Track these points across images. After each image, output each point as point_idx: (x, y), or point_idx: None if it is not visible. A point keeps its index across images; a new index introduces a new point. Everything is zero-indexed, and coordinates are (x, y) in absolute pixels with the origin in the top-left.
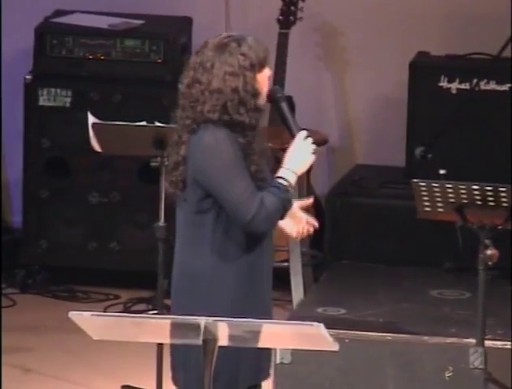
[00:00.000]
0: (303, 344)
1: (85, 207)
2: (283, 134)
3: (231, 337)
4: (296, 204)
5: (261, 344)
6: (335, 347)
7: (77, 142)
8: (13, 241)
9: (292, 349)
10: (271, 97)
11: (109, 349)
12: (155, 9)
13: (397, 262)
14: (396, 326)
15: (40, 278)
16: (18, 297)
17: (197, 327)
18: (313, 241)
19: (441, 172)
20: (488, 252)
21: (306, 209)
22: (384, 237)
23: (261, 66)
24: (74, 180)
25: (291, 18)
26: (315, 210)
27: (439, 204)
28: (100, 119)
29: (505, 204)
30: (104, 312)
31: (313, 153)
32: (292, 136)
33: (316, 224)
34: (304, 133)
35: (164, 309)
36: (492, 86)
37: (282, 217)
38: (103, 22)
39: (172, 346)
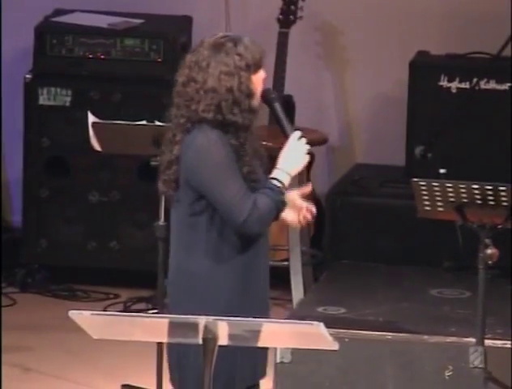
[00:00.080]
0: (303, 343)
1: (85, 207)
2: None
3: (231, 336)
4: (296, 192)
5: (261, 344)
6: (335, 346)
7: (77, 141)
8: (13, 240)
9: (292, 348)
10: (265, 98)
11: (109, 348)
12: (155, 8)
13: (397, 261)
14: (396, 325)
15: (40, 277)
16: (18, 296)
17: (196, 326)
18: (313, 240)
19: (441, 171)
20: (488, 251)
21: (306, 197)
22: (384, 236)
23: (256, 67)
24: (74, 179)
25: (291, 17)
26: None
27: (439, 203)
28: (99, 118)
29: (505, 203)
30: (104, 311)
31: (307, 153)
32: (286, 137)
33: (314, 209)
34: (297, 133)
35: (164, 309)
36: (492, 85)
37: (276, 218)
38: (103, 21)
39: (168, 347)
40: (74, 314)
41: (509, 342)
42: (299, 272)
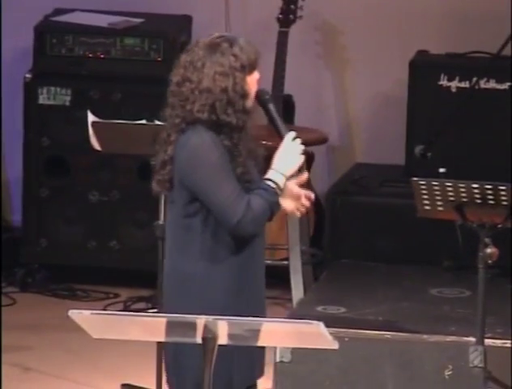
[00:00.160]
0: (303, 342)
1: (85, 206)
2: None
3: (230, 336)
4: (293, 182)
5: (261, 343)
6: (335, 345)
7: (77, 140)
8: (13, 239)
9: (292, 348)
10: (259, 98)
11: (109, 348)
12: (155, 7)
13: (397, 260)
14: (396, 324)
15: (40, 277)
16: (18, 296)
17: (196, 325)
18: (313, 239)
19: (441, 170)
20: (488, 250)
21: (302, 185)
22: (384, 235)
23: (251, 68)
24: (73, 178)
25: (291, 16)
26: (315, 208)
27: (439, 203)
28: (99, 118)
29: (504, 203)
30: (104, 310)
31: (302, 154)
32: (281, 137)
33: (312, 196)
34: (292, 134)
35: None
36: (492, 84)
37: (270, 219)
38: (103, 20)
39: (165, 348)
40: (74, 314)
41: (509, 341)
42: (299, 272)
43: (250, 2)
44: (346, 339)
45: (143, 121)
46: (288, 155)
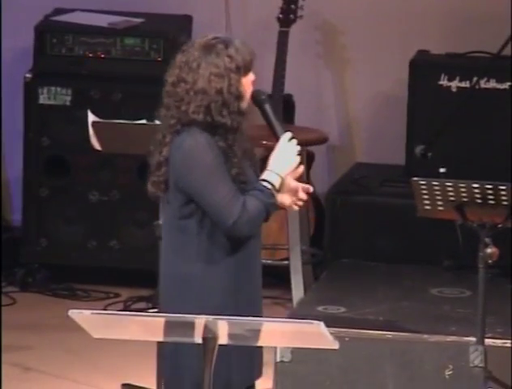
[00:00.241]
0: (303, 342)
1: (85, 206)
2: None
3: (231, 335)
4: (289, 177)
5: (261, 343)
6: (335, 345)
7: (77, 140)
8: (13, 239)
9: (292, 348)
10: (255, 99)
11: (109, 348)
12: (156, 7)
13: (397, 260)
14: (396, 324)
15: (40, 276)
16: (18, 296)
17: (196, 325)
18: (313, 239)
19: (441, 170)
20: (488, 250)
21: (299, 178)
22: (384, 235)
23: (246, 69)
24: (74, 178)
25: (291, 16)
26: (315, 208)
27: (439, 202)
28: (100, 117)
29: (505, 202)
30: (104, 310)
31: (298, 154)
32: (277, 138)
33: (311, 188)
34: (288, 135)
35: None
36: (493, 84)
37: (265, 220)
38: (103, 20)
39: (163, 348)
40: (74, 314)
41: (510, 341)
42: (299, 271)
43: (250, 1)
44: (346, 339)
45: (143, 121)
46: (284, 155)
